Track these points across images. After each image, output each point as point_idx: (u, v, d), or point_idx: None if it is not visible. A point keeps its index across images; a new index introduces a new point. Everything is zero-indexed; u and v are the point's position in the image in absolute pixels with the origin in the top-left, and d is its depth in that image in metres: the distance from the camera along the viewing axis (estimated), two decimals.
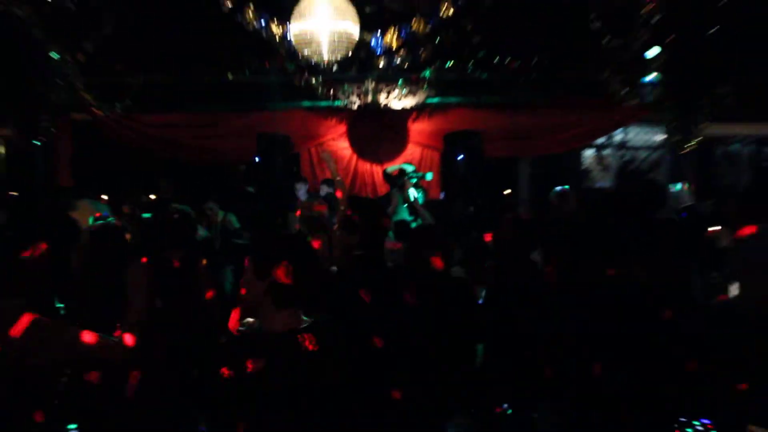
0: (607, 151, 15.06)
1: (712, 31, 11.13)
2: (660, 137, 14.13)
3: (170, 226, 5.84)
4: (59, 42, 11.09)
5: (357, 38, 9.46)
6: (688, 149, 12.25)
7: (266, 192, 12.76)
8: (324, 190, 11.19)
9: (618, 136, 14.91)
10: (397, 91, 12.63)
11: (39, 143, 11.60)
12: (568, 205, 7.61)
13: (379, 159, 13.12)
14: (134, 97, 12.21)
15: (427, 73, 12.44)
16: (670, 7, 10.76)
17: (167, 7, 11.00)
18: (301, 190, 11.55)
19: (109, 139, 12.84)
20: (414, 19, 11.55)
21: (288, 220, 9.33)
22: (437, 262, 4.78)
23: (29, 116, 11.46)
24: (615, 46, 11.43)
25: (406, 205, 10.54)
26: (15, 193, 10.87)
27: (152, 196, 11.44)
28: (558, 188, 7.97)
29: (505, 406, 5.52)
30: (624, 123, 13.72)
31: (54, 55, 11.12)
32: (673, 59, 11.59)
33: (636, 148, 15.29)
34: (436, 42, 11.92)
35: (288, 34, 10.24)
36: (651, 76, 11.90)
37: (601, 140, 14.72)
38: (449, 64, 12.32)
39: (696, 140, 12.16)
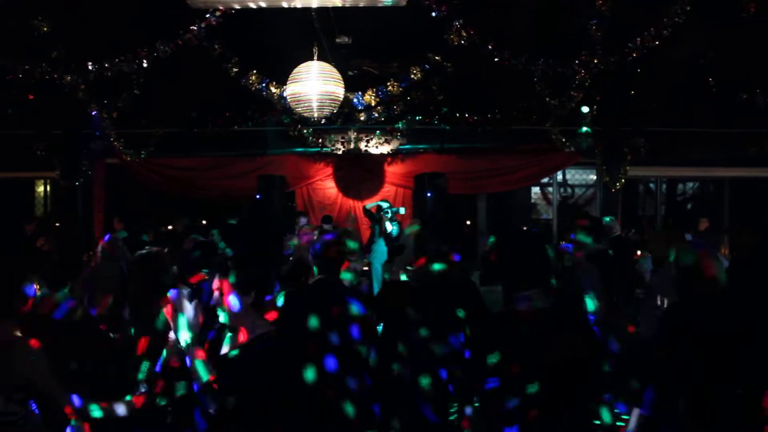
0: (550, 189, 15.12)
1: (630, 92, 11.95)
2: (593, 176, 14.62)
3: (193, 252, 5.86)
4: (97, 101, 11.63)
5: (342, 97, 9.84)
6: (616, 187, 12.84)
7: (261, 223, 12.75)
8: (323, 228, 11.47)
9: (559, 176, 14.99)
10: (375, 139, 13.38)
11: (79, 183, 12.14)
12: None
13: (360, 196, 13.62)
14: (156, 145, 12.80)
15: (400, 125, 13.13)
16: (598, 74, 11.17)
17: (183, 71, 11.52)
18: (303, 221, 11.79)
19: (136, 180, 13.45)
20: (389, 81, 12.27)
21: (283, 243, 9.07)
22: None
23: (72, 161, 11.97)
24: (555, 104, 11.88)
25: (382, 237, 11.13)
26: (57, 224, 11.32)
27: (170, 227, 12.00)
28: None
29: None
30: (564, 165, 14.16)
31: (93, 113, 11.68)
32: (600, 115, 12.18)
33: (574, 186, 15.61)
34: (408, 99, 12.59)
35: (284, 93, 10.53)
36: (584, 128, 12.25)
37: (545, 179, 14.89)
38: (418, 117, 12.96)
39: (621, 180, 12.76)
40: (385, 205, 11.77)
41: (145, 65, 10.90)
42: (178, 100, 12.31)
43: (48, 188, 15.42)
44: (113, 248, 6.22)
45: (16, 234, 11.34)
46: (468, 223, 14.91)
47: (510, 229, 4.96)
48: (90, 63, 10.71)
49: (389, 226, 11.50)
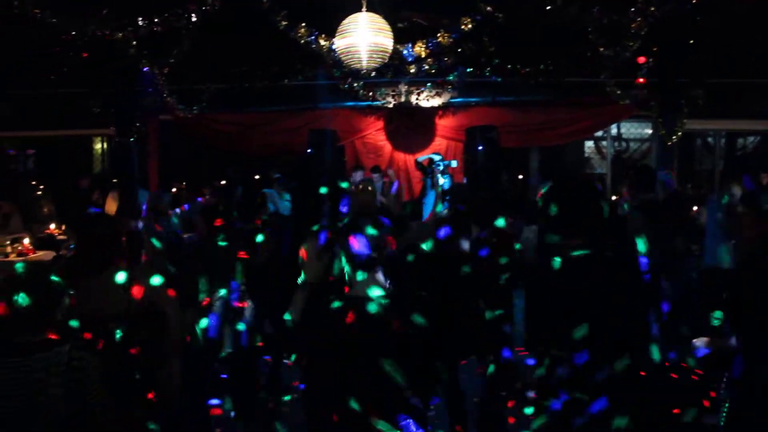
0: (604, 142, 14.87)
1: (688, 42, 11.43)
2: (649, 130, 14.31)
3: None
4: (149, 58, 11.62)
5: (391, 49, 9.61)
6: (672, 141, 12.40)
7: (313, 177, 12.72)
8: (375, 177, 11.64)
9: (614, 129, 14.72)
10: (426, 92, 13.16)
11: (134, 140, 12.14)
12: None
13: (411, 149, 13.49)
14: (208, 100, 12.77)
15: (451, 77, 12.87)
16: (655, 23, 10.75)
17: (235, 26, 11.45)
18: (359, 174, 11.79)
19: (188, 136, 13.59)
20: (439, 32, 11.92)
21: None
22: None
23: (126, 119, 11.98)
24: (610, 54, 11.45)
25: (433, 191, 10.95)
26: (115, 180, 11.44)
27: (222, 182, 11.95)
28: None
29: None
30: (618, 119, 13.84)
31: (146, 69, 11.66)
32: (657, 65, 11.72)
33: (629, 140, 15.28)
34: (459, 51, 12.26)
35: (333, 46, 10.30)
36: (639, 80, 11.90)
37: (599, 133, 14.63)
38: (469, 69, 12.64)
39: (678, 133, 12.30)
40: (437, 158, 11.64)
41: (194, 19, 10.75)
42: (227, 55, 12.19)
43: (105, 145, 15.62)
44: None
45: (73, 189, 11.49)
46: (520, 177, 14.64)
47: (563, 177, 4.82)
48: (140, 18, 10.58)
49: (441, 180, 11.38)
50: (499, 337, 5.66)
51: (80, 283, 3.78)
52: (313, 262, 5.52)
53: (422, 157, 12.02)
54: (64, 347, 3.02)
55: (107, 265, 3.95)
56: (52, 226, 10.67)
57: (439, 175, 11.27)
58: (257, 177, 12.40)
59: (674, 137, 12.35)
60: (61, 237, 10.25)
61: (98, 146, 15.97)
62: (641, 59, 11.62)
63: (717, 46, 11.37)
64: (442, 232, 5.15)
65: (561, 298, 3.31)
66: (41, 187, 14.28)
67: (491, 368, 5.48)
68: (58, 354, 2.98)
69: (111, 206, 9.66)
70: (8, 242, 9.40)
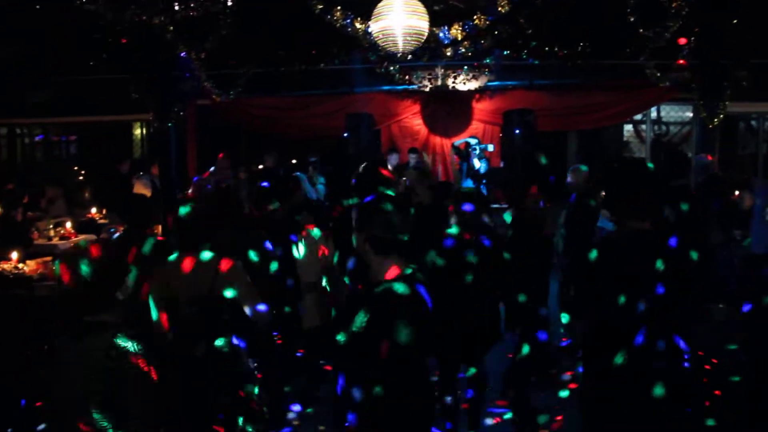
0: (643, 126, 14.57)
1: (731, 22, 11.01)
2: (689, 114, 13.96)
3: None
4: (186, 43, 11.60)
5: (427, 32, 9.58)
6: (713, 124, 11.99)
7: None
8: (412, 158, 11.67)
9: (653, 112, 14.39)
10: (462, 75, 13.03)
11: (172, 125, 12.17)
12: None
13: (448, 133, 13.44)
14: (245, 85, 12.73)
15: (488, 60, 12.71)
16: (696, 2, 10.49)
17: (271, 11, 11.48)
18: (394, 157, 11.90)
19: (225, 120, 13.65)
20: (476, 14, 11.79)
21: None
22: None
23: (164, 103, 11.95)
24: (649, 35, 11.14)
25: (470, 175, 10.91)
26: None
27: (260, 166, 11.90)
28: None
29: None
30: (658, 101, 13.54)
31: (183, 54, 11.67)
32: (699, 47, 11.36)
33: (669, 123, 14.86)
34: (495, 34, 12.03)
35: (369, 29, 10.41)
36: (680, 61, 11.55)
37: (638, 116, 14.35)
38: (506, 52, 12.46)
39: (720, 116, 11.86)
40: (473, 141, 11.68)
41: (230, 4, 10.78)
42: (263, 40, 12.19)
43: (144, 131, 15.77)
44: None
45: (112, 174, 11.63)
46: (557, 161, 14.30)
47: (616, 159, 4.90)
48: (176, 3, 10.60)
49: (477, 163, 11.35)
50: (535, 320, 5.61)
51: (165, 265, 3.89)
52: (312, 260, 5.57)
53: (459, 141, 12.15)
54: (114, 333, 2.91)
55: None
56: (94, 210, 10.79)
57: (475, 159, 11.31)
58: (294, 161, 12.53)
59: (716, 120, 11.92)
60: (102, 221, 10.35)
61: (137, 131, 16.15)
62: (682, 40, 11.29)
63: (760, 25, 10.97)
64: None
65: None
66: (83, 172, 14.53)
67: (525, 349, 5.40)
68: (105, 340, 2.87)
69: (140, 191, 9.75)
70: (51, 226, 9.53)
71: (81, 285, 2.92)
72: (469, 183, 11.41)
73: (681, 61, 11.67)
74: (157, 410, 2.96)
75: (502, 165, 12.92)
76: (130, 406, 2.84)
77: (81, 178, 14.69)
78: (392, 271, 3.05)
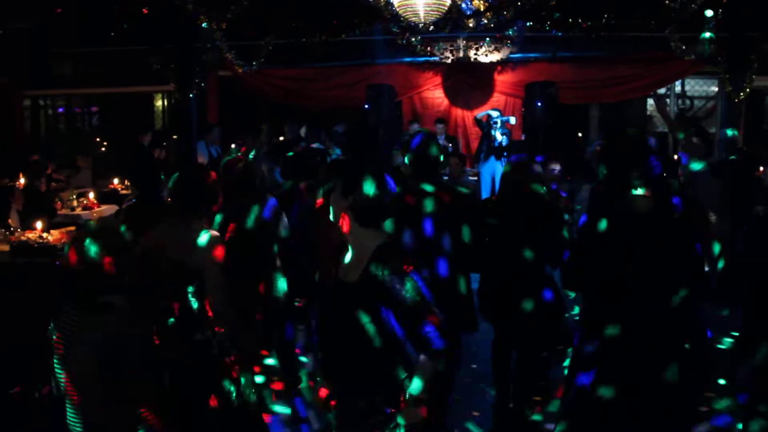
0: (667, 100, 13.98)
1: None
2: (714, 88, 13.73)
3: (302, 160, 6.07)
4: (207, 14, 11.54)
5: (449, 2, 9.47)
6: (739, 98, 11.83)
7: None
8: (439, 128, 11.61)
9: (678, 86, 14.17)
10: (484, 47, 12.81)
11: (193, 96, 12.15)
12: None
13: (469, 105, 13.33)
14: (266, 56, 12.67)
15: (510, 32, 12.52)
16: None
17: None
18: (415, 126, 11.70)
19: (247, 91, 13.51)
20: None
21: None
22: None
23: (185, 75, 11.94)
24: (675, 7, 11.10)
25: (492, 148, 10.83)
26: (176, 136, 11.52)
27: (281, 138, 11.91)
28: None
29: None
30: (682, 75, 13.29)
31: (204, 25, 11.59)
32: (726, 18, 11.16)
33: (693, 98, 14.65)
34: (518, 4, 11.89)
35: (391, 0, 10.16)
36: (707, 34, 11.26)
37: (662, 90, 13.91)
38: (529, 23, 12.29)
39: (746, 90, 11.73)
40: (495, 114, 11.54)
41: None
42: (285, 10, 12.12)
43: (166, 102, 15.76)
44: None
45: (134, 145, 11.63)
46: (579, 134, 14.42)
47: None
48: None
49: (499, 136, 11.26)
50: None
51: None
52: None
53: (481, 113, 11.98)
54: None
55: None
56: (116, 181, 10.82)
57: (497, 132, 11.22)
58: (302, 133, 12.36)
59: (742, 94, 11.77)
60: (125, 192, 10.38)
61: (159, 103, 16.14)
62: (708, 12, 11.02)
63: None
64: None
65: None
66: (105, 143, 14.57)
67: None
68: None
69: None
70: (74, 196, 9.56)
71: (88, 266, 2.85)
72: (491, 158, 11.42)
73: (707, 34, 11.32)
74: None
75: (523, 138, 12.82)
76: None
77: (103, 149, 14.76)
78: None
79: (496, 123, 11.41)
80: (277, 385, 5.56)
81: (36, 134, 15.23)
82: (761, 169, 9.54)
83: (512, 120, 11.82)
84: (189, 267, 3.73)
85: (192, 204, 3.92)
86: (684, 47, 11.79)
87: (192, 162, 10.45)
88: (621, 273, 3.47)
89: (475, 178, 11.69)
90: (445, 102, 13.55)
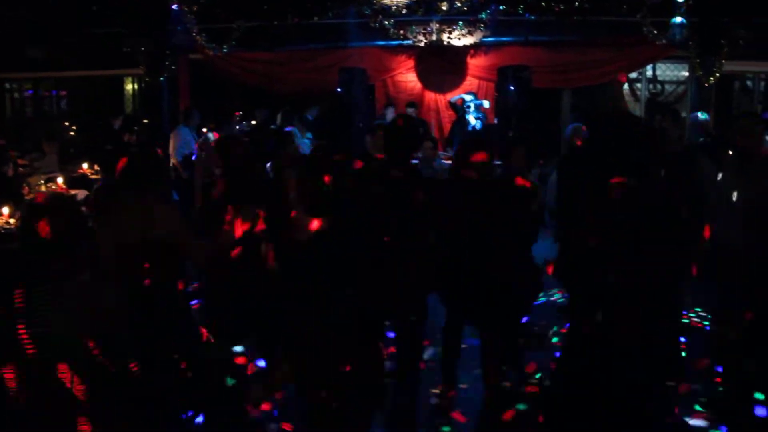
0: (638, 84, 14.31)
1: None
2: (685, 73, 13.76)
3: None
4: None
5: None
6: (709, 82, 11.92)
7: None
8: (410, 112, 11.48)
9: (649, 71, 14.23)
10: (457, 31, 12.70)
11: (164, 79, 12.04)
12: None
13: (442, 89, 13.24)
14: (238, 39, 12.55)
15: (483, 15, 12.44)
16: None
17: None
18: (390, 111, 11.74)
19: (218, 75, 13.36)
20: None
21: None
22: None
23: (156, 58, 11.84)
24: None
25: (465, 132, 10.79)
26: (146, 121, 11.39)
27: (253, 122, 11.96)
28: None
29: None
30: (655, 59, 13.33)
31: (174, 7, 11.48)
32: (696, 3, 11.24)
33: (664, 82, 14.62)
34: None
35: None
36: (678, 19, 11.43)
37: (633, 75, 14.06)
38: (502, 7, 12.23)
39: (716, 75, 11.80)
40: (469, 98, 11.53)
41: None
42: None
43: (136, 86, 15.55)
44: None
45: (105, 129, 11.47)
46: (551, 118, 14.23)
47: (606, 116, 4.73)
48: None
49: (472, 120, 11.24)
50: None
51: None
52: None
53: (455, 97, 12.00)
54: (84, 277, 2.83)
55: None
56: (85, 165, 10.65)
57: (470, 116, 11.20)
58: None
59: (711, 79, 11.85)
60: (94, 176, 10.22)
61: (129, 86, 15.91)
62: None
63: None
64: None
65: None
66: (74, 127, 14.34)
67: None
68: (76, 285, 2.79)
69: None
70: (42, 181, 9.38)
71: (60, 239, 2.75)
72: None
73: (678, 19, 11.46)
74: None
75: (496, 122, 12.74)
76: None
77: (72, 133, 14.52)
78: (314, 224, 3.39)
79: (469, 107, 11.40)
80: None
81: (2, 118, 14.96)
82: (730, 152, 9.65)
83: (486, 104, 11.82)
84: (154, 239, 3.91)
85: (147, 180, 4.12)
86: (656, 32, 11.79)
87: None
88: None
89: (449, 162, 11.62)
90: (418, 86, 13.46)
